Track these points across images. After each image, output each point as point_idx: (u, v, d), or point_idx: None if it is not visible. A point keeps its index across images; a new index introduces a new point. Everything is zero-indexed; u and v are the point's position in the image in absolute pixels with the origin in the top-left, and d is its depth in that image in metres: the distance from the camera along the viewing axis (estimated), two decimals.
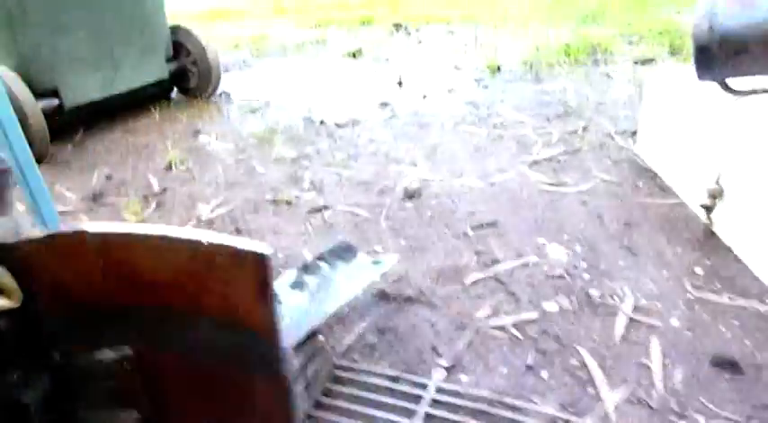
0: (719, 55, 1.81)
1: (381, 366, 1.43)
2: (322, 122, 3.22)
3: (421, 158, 2.62)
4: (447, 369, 1.42)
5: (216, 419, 0.95)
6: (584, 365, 1.40)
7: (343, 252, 1.61)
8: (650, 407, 1.28)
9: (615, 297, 1.62)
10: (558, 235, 1.93)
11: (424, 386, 1.36)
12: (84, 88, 3.23)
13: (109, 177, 2.71)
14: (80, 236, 0.82)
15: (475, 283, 1.74)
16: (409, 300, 1.68)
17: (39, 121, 2.93)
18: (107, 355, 0.89)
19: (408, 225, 2.07)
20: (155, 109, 3.65)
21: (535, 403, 1.30)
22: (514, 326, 1.55)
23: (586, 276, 1.72)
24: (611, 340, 1.48)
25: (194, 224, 2.22)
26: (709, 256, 1.74)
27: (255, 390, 0.89)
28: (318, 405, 1.33)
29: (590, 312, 1.58)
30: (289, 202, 2.33)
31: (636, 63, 3.74)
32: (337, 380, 1.40)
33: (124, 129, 3.42)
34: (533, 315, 1.58)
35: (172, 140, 3.15)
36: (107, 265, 0.84)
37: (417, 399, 1.33)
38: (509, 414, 1.27)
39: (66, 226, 0.80)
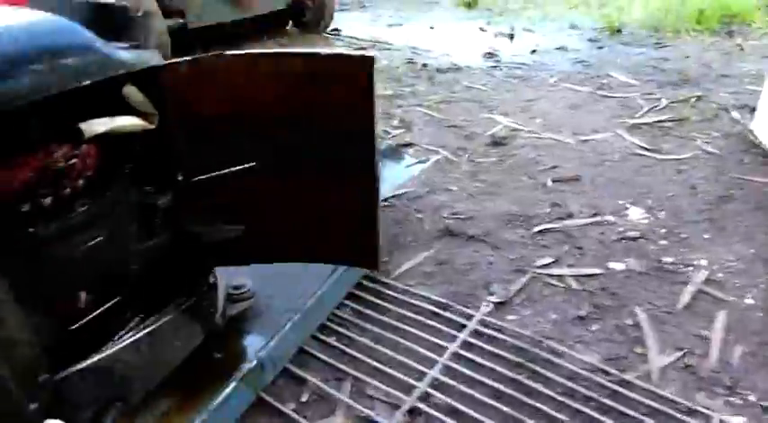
0: None
1: (432, 293, 1.47)
2: (424, 66, 3.22)
3: (515, 109, 2.57)
4: (496, 305, 1.44)
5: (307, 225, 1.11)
6: (637, 326, 1.37)
7: (392, 153, 1.72)
8: (698, 376, 1.23)
9: (689, 267, 1.55)
10: (642, 199, 1.85)
11: (469, 317, 1.40)
12: (207, 12, 3.42)
13: None
14: (217, 59, 0.93)
15: (542, 232, 1.72)
16: (472, 238, 1.70)
17: (165, 38, 3.16)
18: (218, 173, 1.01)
19: (488, 170, 2.06)
20: (270, 39, 3.80)
21: (577, 351, 1.30)
22: (574, 278, 1.53)
23: (663, 243, 1.65)
24: (673, 307, 1.42)
25: None
26: None
27: (348, 191, 1.07)
28: (362, 315, 1.40)
29: (657, 278, 1.52)
30: (377, 136, 2.38)
31: None
32: (386, 298, 1.46)
33: None
34: (596, 270, 1.55)
35: None
36: (237, 84, 0.97)
37: (461, 327, 1.37)
38: (547, 355, 1.27)
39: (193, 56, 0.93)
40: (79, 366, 0.92)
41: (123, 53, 0.86)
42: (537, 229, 1.73)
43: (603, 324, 1.38)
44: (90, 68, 0.80)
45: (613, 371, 1.24)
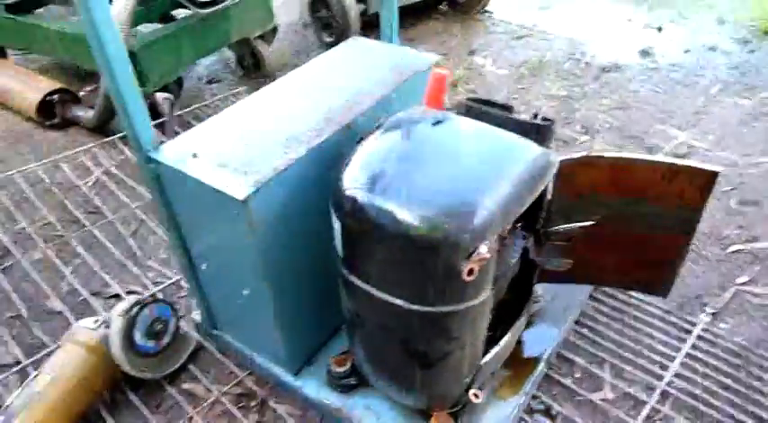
0: None
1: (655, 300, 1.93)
2: (587, 63, 3.52)
3: (686, 122, 2.89)
4: (711, 315, 1.88)
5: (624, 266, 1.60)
6: None
7: None
8: None
9: None
10: None
11: (693, 323, 1.85)
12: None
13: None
14: (595, 157, 1.42)
15: (736, 252, 2.12)
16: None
17: (357, 19, 3.60)
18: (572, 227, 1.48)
19: None
20: (429, 21, 4.14)
21: None
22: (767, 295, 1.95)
23: None
24: None
25: None
26: None
27: (665, 246, 1.54)
28: (604, 314, 1.87)
29: None
30: (565, 142, 2.78)
31: None
32: (610, 305, 1.91)
33: (405, 37, 3.96)
34: None
35: (451, 57, 3.65)
36: (608, 174, 1.44)
37: (687, 332, 1.83)
38: (758, 359, 1.72)
39: (583, 153, 1.42)
40: (490, 355, 1.43)
41: (552, 156, 1.30)
42: (730, 249, 2.13)
43: None
44: (546, 175, 1.25)
45: None
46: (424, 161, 1.19)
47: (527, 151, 1.23)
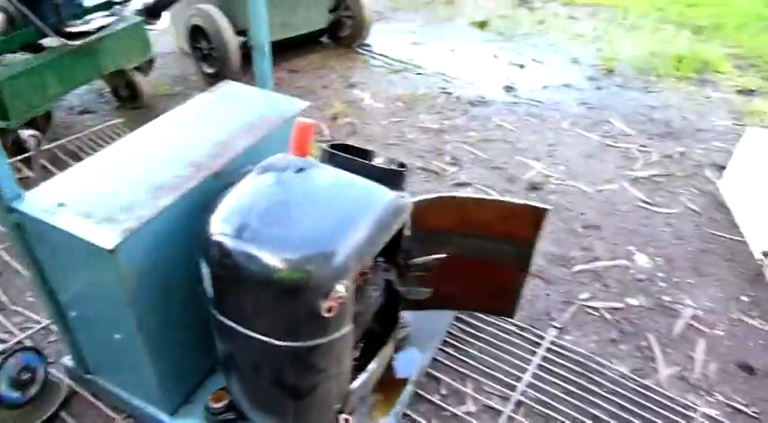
0: None
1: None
2: (458, 98, 3.81)
3: (542, 154, 3.22)
4: (558, 329, 2.13)
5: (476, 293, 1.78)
6: (650, 348, 2.09)
7: None
8: (689, 383, 1.97)
9: (680, 304, 2.28)
10: (646, 247, 2.56)
11: (542, 337, 2.08)
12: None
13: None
14: (446, 198, 1.56)
15: (580, 271, 2.41)
16: (532, 274, 2.37)
17: (237, 52, 3.64)
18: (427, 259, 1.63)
19: None
20: (311, 54, 4.28)
21: (612, 363, 2.00)
22: (605, 310, 2.23)
23: (662, 284, 2.37)
24: (671, 334, 2.15)
25: None
26: (754, 290, 2.36)
27: (507, 276, 1.73)
28: (467, 333, 2.06)
29: (660, 312, 2.24)
30: (436, 173, 3.00)
31: (738, 92, 4.14)
32: (473, 326, 2.11)
33: (288, 69, 4.08)
34: (619, 305, 2.26)
35: (331, 90, 3.81)
36: (456, 213, 1.61)
37: (537, 345, 2.05)
38: (596, 367, 1.98)
39: (436, 195, 1.58)
40: (358, 382, 1.55)
41: (404, 200, 1.45)
42: (575, 269, 2.42)
43: (628, 346, 2.09)
44: (399, 218, 1.40)
45: (638, 378, 1.96)
46: (287, 207, 1.29)
47: (381, 196, 1.37)
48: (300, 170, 1.38)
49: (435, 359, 1.98)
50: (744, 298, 2.32)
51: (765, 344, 2.13)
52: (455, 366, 1.97)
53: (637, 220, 2.73)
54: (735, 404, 1.91)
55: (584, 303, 2.26)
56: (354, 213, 1.30)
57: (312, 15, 4.16)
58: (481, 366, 1.97)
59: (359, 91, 3.85)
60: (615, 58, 4.55)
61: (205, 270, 1.30)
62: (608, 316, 2.21)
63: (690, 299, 2.31)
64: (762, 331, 2.18)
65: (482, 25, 5.15)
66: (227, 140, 1.58)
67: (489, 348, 2.03)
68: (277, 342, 1.28)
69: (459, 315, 2.11)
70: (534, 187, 2.91)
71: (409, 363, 1.87)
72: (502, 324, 2.12)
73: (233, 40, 3.66)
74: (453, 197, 1.61)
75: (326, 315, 1.21)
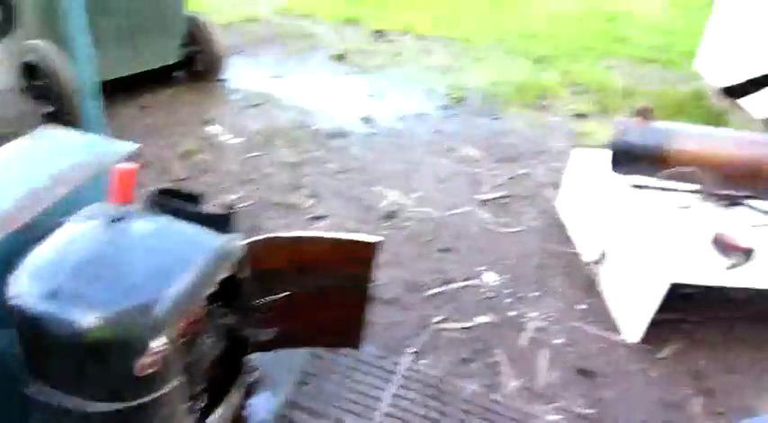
0: (625, 159, 2.62)
1: (370, 346, 2.17)
2: (317, 131, 3.85)
3: (398, 182, 3.33)
4: (413, 354, 2.18)
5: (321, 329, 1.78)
6: (499, 363, 2.20)
7: None
8: (534, 393, 2.09)
9: (525, 318, 2.43)
10: (494, 265, 2.72)
11: (398, 363, 2.12)
12: (111, 66, 3.68)
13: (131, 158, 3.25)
14: (280, 238, 1.54)
15: (434, 295, 2.50)
16: (388, 302, 2.42)
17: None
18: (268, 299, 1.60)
19: (388, 242, 2.78)
20: (165, 89, 4.14)
21: (464, 382, 2.08)
22: (457, 330, 2.32)
23: (508, 300, 2.52)
24: (517, 347, 2.28)
25: None
26: (589, 298, 2.57)
27: (349, 309, 1.73)
28: (326, 361, 2.05)
29: (507, 327, 2.37)
30: (294, 207, 2.99)
31: (574, 116, 4.56)
32: (329, 360, 2.12)
33: (140, 105, 3.90)
34: (470, 324, 2.36)
35: (185, 126, 3.69)
36: (289, 251, 1.59)
37: (395, 370, 2.09)
38: (450, 388, 2.05)
39: (269, 235, 1.56)
40: None
41: (232, 244, 1.42)
42: (429, 293, 2.50)
43: (479, 363, 2.19)
44: (226, 263, 1.37)
45: (490, 394, 2.05)
46: (101, 261, 1.21)
47: (204, 243, 1.33)
48: (118, 220, 1.31)
49: (291, 401, 1.94)
50: (581, 306, 2.53)
51: (601, 348, 2.33)
52: (311, 405, 1.95)
53: (485, 241, 2.89)
54: (576, 409, 2.05)
55: (438, 326, 2.33)
56: (173, 263, 1.25)
57: (161, 49, 4.03)
58: (338, 401, 1.96)
59: (214, 126, 3.76)
60: (465, 88, 4.84)
61: (13, 337, 1.18)
62: (460, 336, 2.30)
63: (534, 312, 2.47)
64: (598, 336, 2.38)
65: (340, 58, 5.27)
66: (39, 190, 1.47)
67: (347, 381, 2.04)
68: (96, 405, 1.19)
69: (315, 351, 2.10)
70: (389, 216, 2.99)
71: (262, 407, 1.82)
72: (357, 355, 2.13)
73: (72, 77, 3.44)
74: (280, 236, 1.60)
75: (141, 374, 1.14)
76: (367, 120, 4.12)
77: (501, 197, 3.28)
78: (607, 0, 8.21)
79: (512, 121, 4.34)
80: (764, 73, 3.97)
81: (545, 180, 3.51)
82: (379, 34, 5.99)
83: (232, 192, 3.04)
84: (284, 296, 1.64)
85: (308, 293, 1.69)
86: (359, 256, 1.66)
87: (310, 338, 1.89)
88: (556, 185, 3.41)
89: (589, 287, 2.63)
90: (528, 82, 5.04)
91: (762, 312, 2.53)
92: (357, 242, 1.64)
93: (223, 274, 1.38)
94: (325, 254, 1.69)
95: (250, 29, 5.88)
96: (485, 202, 3.22)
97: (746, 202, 2.62)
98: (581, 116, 4.58)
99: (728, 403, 2.13)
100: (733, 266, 2.21)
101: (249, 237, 1.54)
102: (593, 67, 5.73)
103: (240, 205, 2.93)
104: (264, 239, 1.56)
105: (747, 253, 2.27)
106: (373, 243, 1.64)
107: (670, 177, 2.50)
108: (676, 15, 7.81)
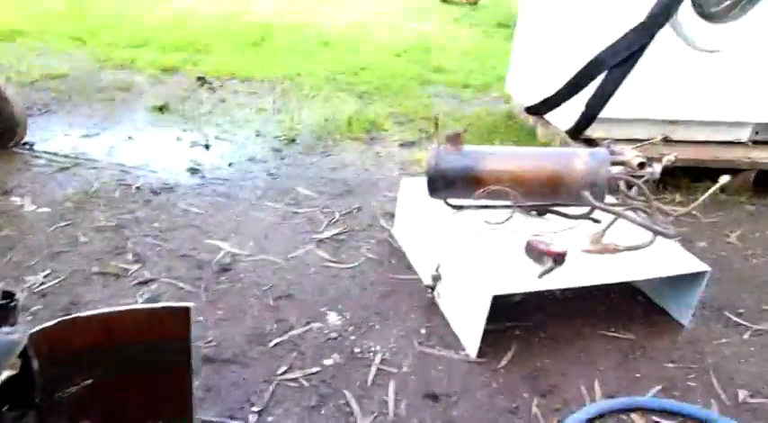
0: (441, 184, 2.75)
1: (208, 415, 2.03)
2: (138, 188, 3.61)
3: (230, 232, 3.21)
4: (258, 413, 2.07)
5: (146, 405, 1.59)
6: (348, 404, 2.16)
7: None
8: None
9: (370, 352, 2.43)
10: (336, 304, 2.70)
11: None
12: None
13: None
14: (80, 318, 1.40)
15: (276, 345, 2.41)
16: (227, 360, 2.29)
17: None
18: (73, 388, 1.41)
19: (224, 296, 2.66)
20: None
21: None
22: (303, 378, 2.25)
23: (352, 337, 2.50)
24: (365, 384, 2.26)
25: (27, 296, 2.53)
26: (430, 320, 2.65)
27: (172, 379, 1.59)
28: None
29: (353, 365, 2.35)
30: (116, 275, 2.75)
31: (401, 145, 4.76)
32: None
33: None
34: (316, 369, 2.31)
35: None
36: (93, 329, 1.42)
37: None
38: None
39: (67, 317, 1.37)
40: None
41: (12, 336, 1.25)
42: (272, 343, 2.41)
43: (327, 408, 2.14)
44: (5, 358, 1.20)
45: None
46: None
47: None
48: None
49: None
50: (423, 330, 2.58)
51: (443, 368, 2.39)
52: None
53: (325, 281, 2.87)
54: None
55: (283, 377, 2.25)
56: None
57: None
58: None
59: (17, 197, 3.38)
60: (295, 128, 4.87)
61: None
62: (306, 383, 2.23)
63: (378, 345, 2.47)
64: (441, 357, 2.44)
65: (162, 109, 5.05)
66: None
67: None
68: None
69: None
70: (225, 269, 2.87)
71: None
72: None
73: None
74: (78, 316, 1.46)
75: None
76: (194, 171, 3.96)
77: (338, 234, 3.30)
78: (426, 35, 8.83)
79: (343, 157, 4.42)
80: (553, 94, 4.47)
81: (379, 211, 3.59)
82: (202, 81, 5.84)
83: (41, 269, 2.73)
84: (97, 379, 1.48)
85: (127, 370, 1.54)
86: (174, 324, 1.55)
87: (135, 419, 1.72)
88: (390, 215, 3.51)
89: (430, 310, 2.71)
90: (356, 116, 5.19)
91: (580, 306, 2.78)
92: (168, 309, 1.54)
93: (2, 375, 1.20)
94: (138, 326, 1.56)
95: (59, 85, 5.45)
96: (322, 240, 3.21)
97: (553, 208, 2.88)
98: (408, 144, 4.81)
99: (564, 398, 2.28)
100: (546, 272, 2.40)
101: (56, 318, 1.38)
102: (415, 97, 6.07)
103: (50, 283, 2.64)
104: (62, 322, 1.39)
105: (559, 256, 2.48)
106: (185, 308, 1.54)
107: (484, 196, 2.66)
108: (490, 44, 8.61)
